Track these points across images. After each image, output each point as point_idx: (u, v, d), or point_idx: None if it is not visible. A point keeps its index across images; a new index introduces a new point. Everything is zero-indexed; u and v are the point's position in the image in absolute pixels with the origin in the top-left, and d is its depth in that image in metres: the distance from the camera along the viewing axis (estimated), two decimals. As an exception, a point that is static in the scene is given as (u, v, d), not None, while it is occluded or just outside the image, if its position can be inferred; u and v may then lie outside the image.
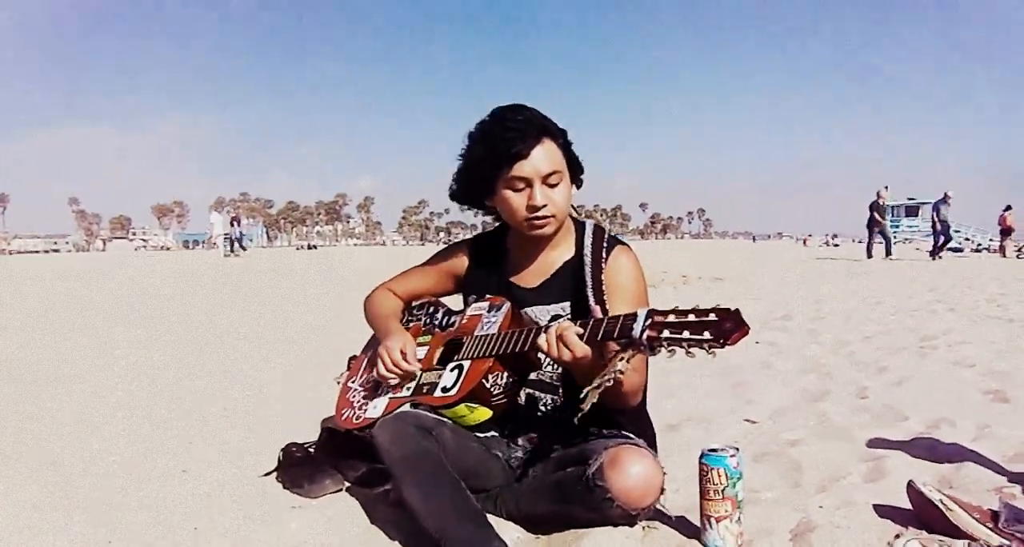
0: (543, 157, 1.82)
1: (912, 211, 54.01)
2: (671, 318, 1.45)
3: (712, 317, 1.41)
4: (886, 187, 17.66)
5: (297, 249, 57.79)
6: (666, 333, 1.44)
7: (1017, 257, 20.02)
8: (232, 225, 24.77)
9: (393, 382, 1.98)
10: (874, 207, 17.42)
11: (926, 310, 6.98)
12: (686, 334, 1.42)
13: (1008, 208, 21.37)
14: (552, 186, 1.85)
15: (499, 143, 1.81)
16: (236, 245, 24.68)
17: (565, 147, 1.89)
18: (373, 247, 79.74)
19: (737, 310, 1.41)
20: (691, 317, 1.43)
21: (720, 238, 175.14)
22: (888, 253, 17.82)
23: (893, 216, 53.57)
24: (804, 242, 56.62)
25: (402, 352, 1.95)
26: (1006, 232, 21.23)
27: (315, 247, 62.49)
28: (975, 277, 11.50)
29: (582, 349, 1.57)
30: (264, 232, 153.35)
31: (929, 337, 5.17)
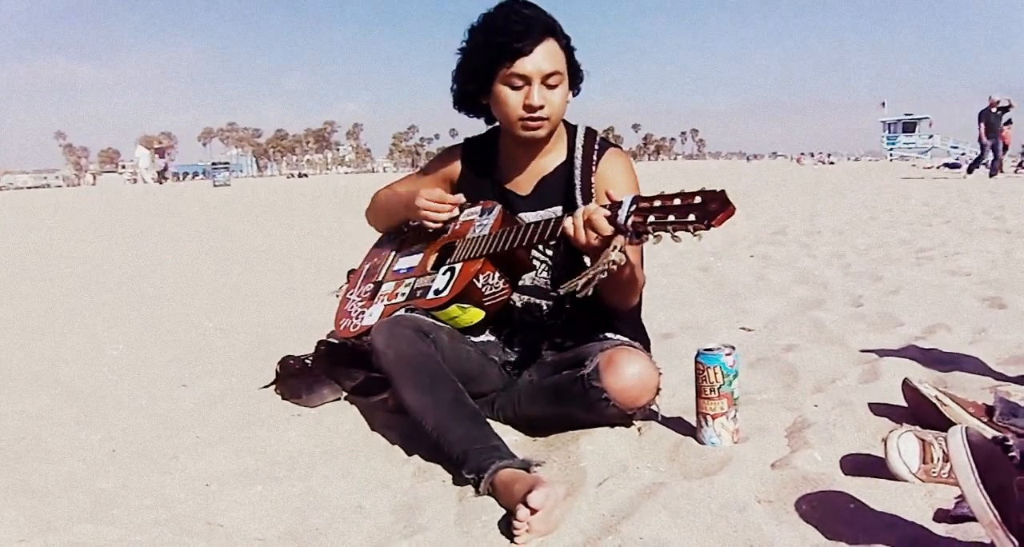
0: (546, 56, 1.76)
1: (909, 127, 53.20)
2: (656, 203, 1.43)
3: (698, 200, 1.38)
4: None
5: (288, 178, 57.37)
6: (651, 218, 1.42)
7: (1015, 172, 19.85)
8: (160, 157, 26.39)
9: (447, 218, 1.95)
10: (983, 117, 15.10)
11: (921, 224, 6.97)
12: (671, 218, 1.40)
13: (1008, 123, 21.00)
14: (551, 87, 1.79)
15: (502, 35, 1.74)
16: (160, 175, 26.45)
17: (568, 50, 1.83)
18: (364, 175, 79.09)
19: (723, 191, 1.38)
20: (676, 201, 1.41)
21: (713, 159, 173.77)
22: (974, 168, 15.69)
23: (890, 133, 52.98)
24: (798, 160, 56.16)
25: (439, 193, 1.94)
26: (1004, 147, 20.95)
27: (306, 175, 61.99)
28: (972, 191, 11.46)
29: (609, 230, 1.51)
30: (254, 162, 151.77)
31: (925, 249, 5.17)
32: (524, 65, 1.75)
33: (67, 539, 1.45)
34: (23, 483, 1.72)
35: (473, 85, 1.86)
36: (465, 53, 1.85)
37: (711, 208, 1.36)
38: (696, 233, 1.38)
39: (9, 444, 1.97)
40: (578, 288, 1.53)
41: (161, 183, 26.07)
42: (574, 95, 1.90)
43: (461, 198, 1.96)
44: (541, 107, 1.78)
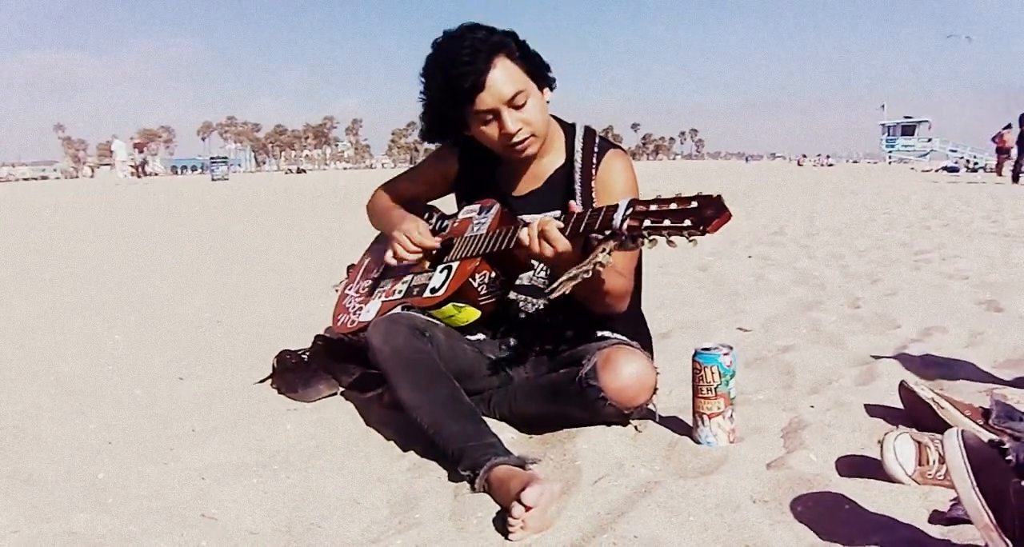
0: (503, 80, 1.71)
1: (908, 130, 53.23)
2: (653, 207, 1.41)
3: (693, 205, 1.37)
4: None
5: (286, 173, 57.26)
6: (647, 222, 1.40)
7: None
8: (139, 152, 26.62)
9: (413, 261, 1.95)
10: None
11: (920, 226, 6.98)
12: (667, 223, 1.38)
13: (1008, 127, 20.95)
14: (521, 107, 1.75)
15: (452, 81, 1.70)
16: (140, 170, 26.69)
17: (522, 57, 1.77)
18: (362, 171, 79.02)
19: (719, 196, 1.36)
20: (673, 205, 1.39)
21: (712, 159, 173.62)
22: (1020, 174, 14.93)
23: (889, 135, 53.04)
24: (799, 162, 56.10)
25: (419, 232, 1.93)
26: (1003, 151, 20.96)
27: (304, 171, 61.79)
28: (971, 195, 11.48)
29: (564, 244, 1.51)
30: (252, 157, 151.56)
31: (923, 251, 5.18)
32: (485, 101, 1.71)
33: (62, 528, 1.45)
34: (19, 473, 1.72)
35: (448, 129, 1.86)
36: (426, 102, 1.82)
37: (707, 213, 1.35)
38: (691, 239, 1.37)
39: (5, 434, 1.96)
40: (556, 286, 1.52)
41: (139, 177, 26.27)
42: (551, 90, 1.86)
43: (437, 244, 1.94)
44: (520, 130, 1.76)
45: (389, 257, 1.97)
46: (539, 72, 1.81)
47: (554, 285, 1.54)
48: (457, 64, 1.69)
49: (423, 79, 1.80)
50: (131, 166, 26.37)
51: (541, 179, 1.92)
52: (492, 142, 1.80)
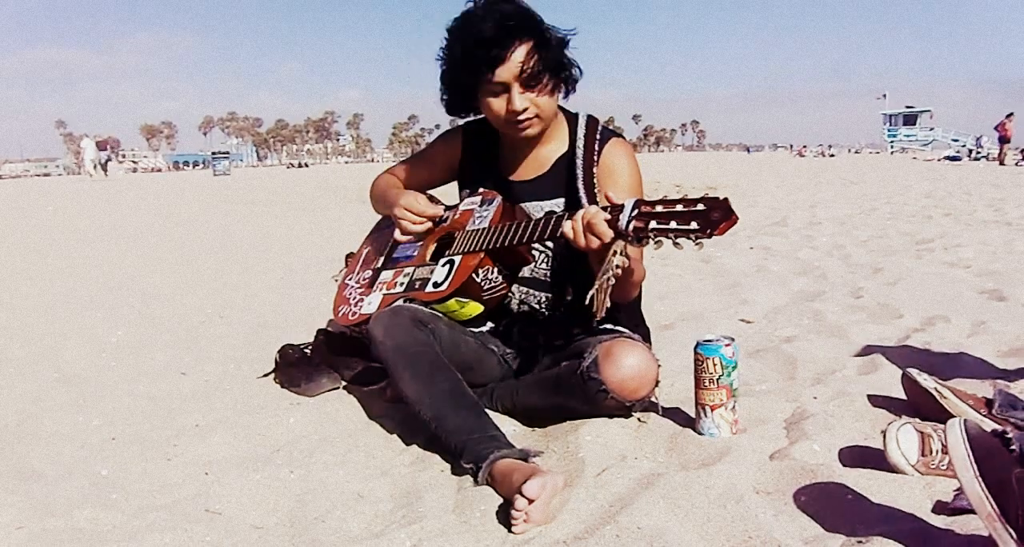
0: (524, 60, 1.71)
1: (910, 120, 53.08)
2: (659, 208, 1.40)
3: (700, 207, 1.36)
4: None
5: (288, 167, 57.20)
6: (653, 224, 1.39)
7: (1016, 164, 19.76)
8: (101, 149, 27.19)
9: (421, 231, 1.93)
10: None
11: (922, 215, 6.96)
12: (673, 224, 1.37)
13: (1010, 115, 20.91)
14: (532, 88, 1.74)
15: (477, 45, 1.70)
16: (101, 167, 27.19)
17: (554, 48, 1.76)
18: (364, 164, 78.85)
19: (726, 199, 1.35)
20: (679, 207, 1.38)
21: (714, 150, 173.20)
22: None
23: (891, 125, 52.92)
24: (799, 153, 55.91)
25: (420, 202, 1.92)
26: (1005, 140, 20.91)
27: (306, 165, 61.76)
28: (973, 184, 11.45)
29: (610, 235, 1.48)
30: (254, 151, 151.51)
31: (925, 240, 5.17)
32: (501, 73, 1.71)
33: (66, 524, 1.45)
34: (22, 469, 1.72)
35: (459, 96, 1.86)
36: (446, 63, 1.82)
37: (713, 217, 1.34)
38: (698, 241, 1.36)
39: (8, 431, 1.97)
40: (594, 305, 1.50)
41: (106, 174, 26.96)
42: (565, 96, 1.85)
43: (440, 210, 1.93)
44: (526, 109, 1.76)
45: (398, 235, 1.96)
46: (562, 69, 1.79)
47: (590, 302, 1.50)
48: (489, 29, 1.69)
49: (448, 34, 1.79)
50: (100, 163, 27.09)
51: (544, 166, 1.92)
52: (495, 116, 1.80)
